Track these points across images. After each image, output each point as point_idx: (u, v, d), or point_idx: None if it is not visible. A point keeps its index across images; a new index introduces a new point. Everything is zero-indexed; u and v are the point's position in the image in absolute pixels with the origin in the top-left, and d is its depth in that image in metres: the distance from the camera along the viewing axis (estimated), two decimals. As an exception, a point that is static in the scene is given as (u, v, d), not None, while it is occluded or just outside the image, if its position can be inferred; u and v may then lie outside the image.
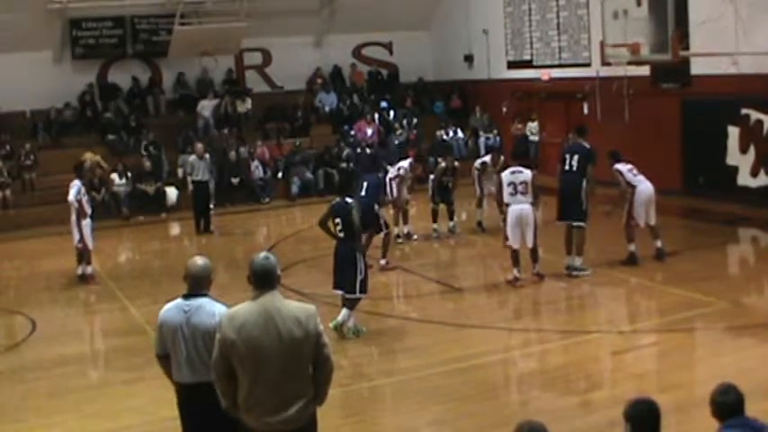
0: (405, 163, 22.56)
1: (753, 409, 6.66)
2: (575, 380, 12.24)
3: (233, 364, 7.11)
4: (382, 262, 19.21)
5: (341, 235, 14.42)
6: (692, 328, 14.44)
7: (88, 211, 19.86)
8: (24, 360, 14.63)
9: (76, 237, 19.77)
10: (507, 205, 17.61)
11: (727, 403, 6.56)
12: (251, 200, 29.09)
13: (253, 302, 7.20)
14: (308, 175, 30.88)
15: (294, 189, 30.40)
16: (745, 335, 13.77)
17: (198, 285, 8.20)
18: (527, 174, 17.67)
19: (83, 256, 20.07)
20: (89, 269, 20.18)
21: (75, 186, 19.73)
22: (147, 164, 29.70)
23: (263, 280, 7.25)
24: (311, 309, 7.37)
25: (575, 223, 17.80)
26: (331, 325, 13.88)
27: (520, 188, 17.44)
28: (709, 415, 6.58)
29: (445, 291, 17.56)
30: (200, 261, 8.32)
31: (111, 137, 31.26)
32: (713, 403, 6.59)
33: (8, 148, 29.60)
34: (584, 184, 17.79)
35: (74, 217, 19.65)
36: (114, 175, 28.57)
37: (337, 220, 14.45)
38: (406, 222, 22.59)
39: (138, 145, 30.92)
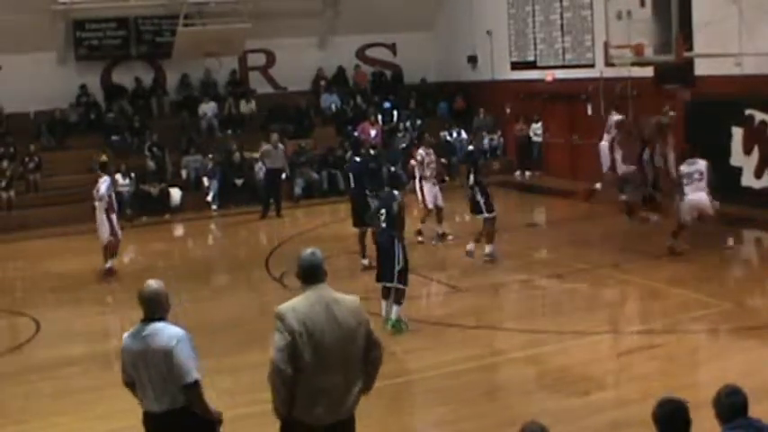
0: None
1: (757, 411, 6.65)
2: (578, 381, 12.22)
3: (295, 356, 7.14)
4: (365, 262, 19.31)
5: (383, 225, 14.71)
6: (695, 329, 14.43)
7: (115, 206, 20.61)
8: (28, 361, 14.66)
9: (106, 231, 20.31)
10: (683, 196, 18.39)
11: (732, 404, 6.54)
12: (254, 201, 29.07)
13: (308, 295, 7.36)
14: (313, 175, 30.89)
15: (297, 190, 30.40)
16: (748, 336, 13.76)
17: (153, 310, 8.16)
18: (701, 164, 18.48)
19: (108, 250, 20.62)
20: (114, 263, 20.70)
21: (106, 182, 20.35)
22: (151, 164, 29.72)
23: (313, 274, 7.45)
24: (357, 298, 7.64)
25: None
26: (388, 326, 14.26)
27: (696, 176, 18.31)
28: (712, 416, 6.57)
29: (448, 291, 17.56)
30: (153, 285, 8.27)
31: (114, 138, 31.26)
32: (718, 404, 6.58)
33: (12, 149, 29.61)
34: None
35: (104, 212, 20.24)
36: (118, 176, 28.56)
37: (383, 211, 14.78)
38: (440, 222, 22.59)
39: (142, 146, 30.94)
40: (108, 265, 20.60)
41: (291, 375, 7.15)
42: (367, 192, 19.44)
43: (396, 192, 14.94)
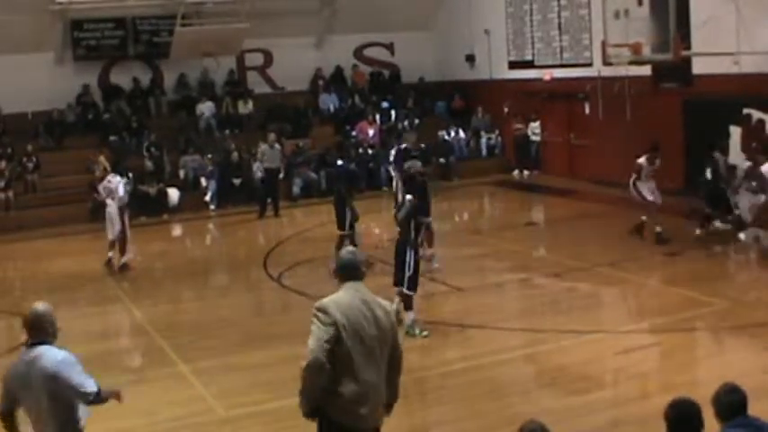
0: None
1: (755, 409, 6.65)
2: (577, 380, 12.22)
3: (339, 350, 7.13)
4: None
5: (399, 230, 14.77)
6: (693, 327, 14.45)
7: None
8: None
9: (118, 228, 20.77)
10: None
11: (732, 403, 6.54)
12: (252, 201, 29.04)
13: (347, 290, 7.41)
14: (311, 175, 30.88)
15: (296, 190, 30.39)
16: (746, 335, 13.77)
17: (38, 333, 8.00)
18: None
19: (117, 246, 21.03)
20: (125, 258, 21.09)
21: (122, 182, 21.22)
22: (149, 165, 29.69)
23: (352, 271, 7.50)
24: (389, 303, 7.79)
25: None
26: (401, 335, 14.07)
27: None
28: (711, 415, 6.57)
29: (447, 291, 17.55)
30: (39, 309, 8.09)
31: (112, 138, 31.24)
32: (717, 403, 6.58)
33: (10, 149, 29.58)
34: None
35: (117, 210, 20.76)
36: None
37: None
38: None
39: (140, 146, 30.92)
40: (122, 260, 21.01)
41: (321, 374, 7.12)
42: (345, 195, 19.40)
43: (408, 197, 14.77)
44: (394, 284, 14.54)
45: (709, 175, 19.83)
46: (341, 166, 20.36)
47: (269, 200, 27.68)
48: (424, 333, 14.36)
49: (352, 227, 19.22)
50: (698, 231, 19.78)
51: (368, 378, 7.26)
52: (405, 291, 14.27)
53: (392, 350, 7.51)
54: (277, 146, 28.55)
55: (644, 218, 20.49)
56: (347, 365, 7.18)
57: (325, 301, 7.31)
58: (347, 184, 19.94)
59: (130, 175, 28.87)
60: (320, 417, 7.35)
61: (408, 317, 14.37)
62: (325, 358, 7.08)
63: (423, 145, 23.27)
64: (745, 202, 19.57)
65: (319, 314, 7.22)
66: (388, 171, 23.25)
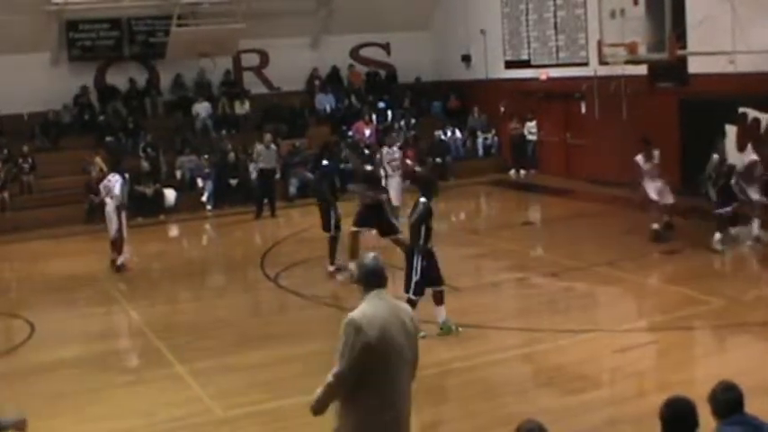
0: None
1: (752, 407, 6.66)
2: (574, 379, 12.24)
3: (366, 363, 6.96)
4: (330, 268, 19.25)
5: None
6: (690, 326, 14.45)
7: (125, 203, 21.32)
8: (23, 363, 14.60)
9: (114, 226, 20.80)
10: None
11: (728, 401, 6.55)
12: (249, 201, 29.04)
13: (376, 301, 7.19)
14: (308, 175, 30.86)
15: (292, 190, 30.39)
16: (743, 333, 13.78)
17: None
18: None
19: (115, 246, 21.05)
20: (122, 258, 21.06)
21: (119, 181, 21.13)
22: (145, 165, 29.67)
23: (379, 279, 7.28)
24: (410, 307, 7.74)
25: None
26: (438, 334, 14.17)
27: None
28: (708, 413, 6.58)
29: (444, 290, 17.55)
30: None
31: (108, 139, 31.22)
32: (714, 401, 6.58)
33: (6, 150, 29.56)
34: None
35: (115, 210, 20.84)
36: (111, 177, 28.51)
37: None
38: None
39: (136, 147, 30.89)
40: (118, 261, 20.95)
41: (342, 389, 7.06)
42: (327, 196, 19.41)
43: (422, 200, 14.49)
44: (405, 291, 14.31)
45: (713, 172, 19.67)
46: (326, 166, 20.27)
47: (265, 200, 27.68)
48: (458, 329, 14.46)
49: (337, 228, 19.19)
50: (716, 240, 19.17)
51: (397, 388, 7.16)
52: (410, 296, 13.99)
53: (414, 356, 7.38)
54: (273, 146, 28.62)
55: (666, 218, 20.55)
56: (378, 377, 7.04)
57: (356, 315, 7.06)
58: (331, 184, 19.84)
59: (127, 175, 28.91)
60: (346, 426, 7.21)
61: (440, 314, 14.46)
62: (354, 373, 6.96)
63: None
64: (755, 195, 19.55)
65: (351, 329, 7.00)
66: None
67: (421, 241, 14.26)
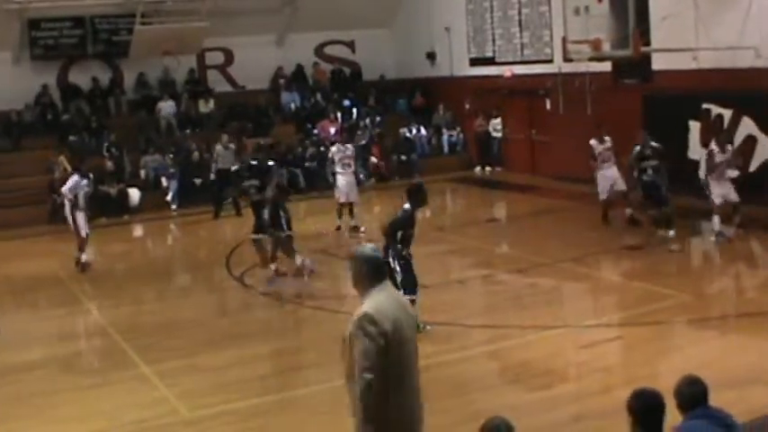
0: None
1: (716, 400, 6.69)
2: (540, 375, 12.27)
3: (382, 360, 6.85)
4: (272, 266, 19.25)
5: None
6: (655, 321, 14.48)
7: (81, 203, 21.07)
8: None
9: (72, 226, 20.83)
10: None
11: (693, 394, 6.58)
12: (213, 200, 28.99)
13: (383, 294, 7.09)
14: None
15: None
16: (707, 327, 13.89)
17: None
18: None
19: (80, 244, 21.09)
20: (84, 257, 21.03)
21: (72, 180, 21.21)
22: (109, 165, 29.50)
23: (381, 272, 7.21)
24: None
25: None
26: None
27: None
28: (673, 407, 6.60)
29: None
30: None
31: (72, 138, 31.03)
32: (678, 394, 6.61)
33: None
34: None
35: (69, 210, 20.81)
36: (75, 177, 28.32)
37: None
38: (351, 215, 23.50)
39: (100, 146, 30.70)
40: (82, 260, 20.98)
41: (371, 388, 6.85)
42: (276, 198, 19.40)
43: (405, 206, 14.24)
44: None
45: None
46: (271, 167, 20.21)
47: (229, 200, 27.55)
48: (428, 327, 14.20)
49: (289, 227, 19.14)
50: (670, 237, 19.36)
51: (410, 378, 7.16)
52: (405, 295, 13.66)
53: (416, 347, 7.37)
54: (231, 146, 28.49)
55: (629, 211, 20.86)
56: (395, 372, 6.97)
57: (370, 310, 6.93)
58: (278, 186, 19.76)
59: (91, 175, 28.73)
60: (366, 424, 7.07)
61: None
62: (375, 372, 6.82)
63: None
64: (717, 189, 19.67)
65: (368, 325, 6.86)
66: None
67: (398, 246, 14.03)
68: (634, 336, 13.79)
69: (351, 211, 23.45)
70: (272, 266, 19.07)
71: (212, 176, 28.50)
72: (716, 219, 19.42)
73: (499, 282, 17.84)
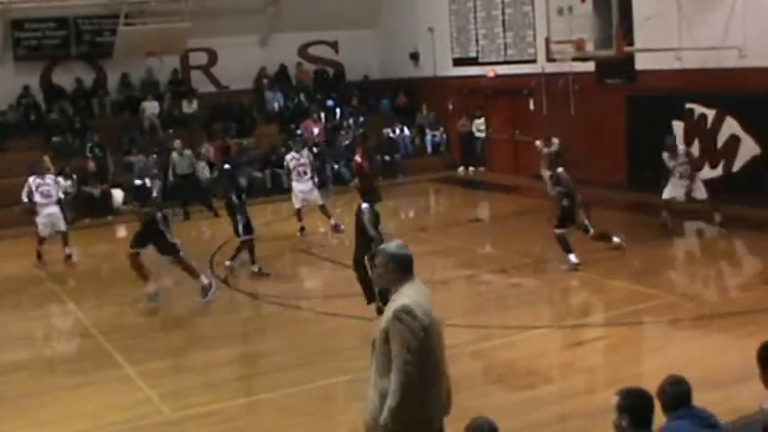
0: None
1: (700, 400, 6.70)
2: (524, 375, 12.27)
3: (424, 354, 6.91)
4: (254, 268, 19.25)
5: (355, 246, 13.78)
6: (639, 321, 14.52)
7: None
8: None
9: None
10: None
11: (677, 394, 6.59)
12: (197, 201, 28.96)
13: (415, 288, 7.15)
14: (256, 174, 30.76)
15: (240, 189, 30.27)
16: (690, 327, 13.89)
17: None
18: None
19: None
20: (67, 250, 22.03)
21: (31, 180, 22.03)
22: (92, 165, 29.42)
23: (411, 266, 7.22)
24: None
25: None
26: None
27: None
28: (657, 407, 6.61)
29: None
30: None
31: (55, 139, 30.95)
32: (662, 394, 6.62)
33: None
34: None
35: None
36: (60, 178, 28.23)
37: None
38: (327, 216, 23.65)
39: (83, 147, 30.63)
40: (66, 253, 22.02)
41: (415, 381, 6.89)
42: (234, 199, 19.40)
43: (364, 206, 13.98)
44: (368, 302, 14.07)
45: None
46: (227, 169, 20.15)
47: (212, 201, 27.45)
48: None
49: (247, 231, 19.15)
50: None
51: (442, 371, 7.26)
52: (379, 305, 13.28)
53: None
54: (187, 152, 28.64)
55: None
56: (431, 362, 7.05)
57: (408, 303, 6.94)
58: (237, 188, 19.69)
59: (74, 176, 28.66)
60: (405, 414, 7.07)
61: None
62: (417, 358, 6.86)
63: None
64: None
65: (408, 319, 6.88)
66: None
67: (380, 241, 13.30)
68: (618, 336, 13.80)
69: (326, 213, 23.57)
70: (255, 268, 19.08)
71: (171, 180, 28.57)
72: (664, 213, 20.24)
73: (483, 282, 17.84)
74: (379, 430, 6.93)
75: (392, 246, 7.30)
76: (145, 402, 12.18)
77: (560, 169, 18.36)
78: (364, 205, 13.83)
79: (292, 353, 13.98)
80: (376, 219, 13.86)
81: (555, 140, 22.45)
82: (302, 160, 23.66)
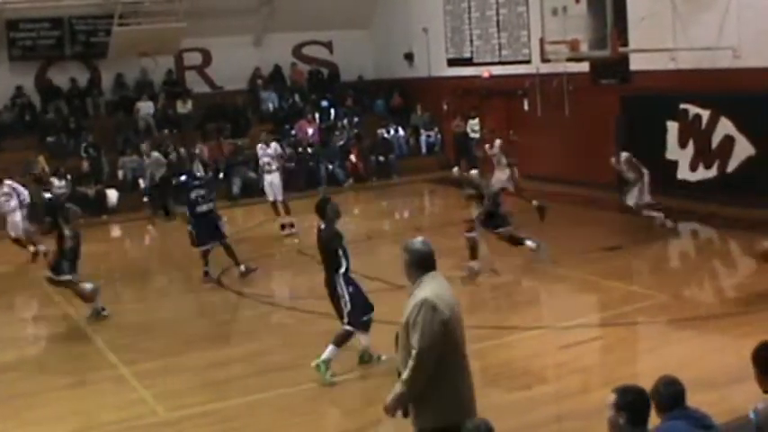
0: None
1: (694, 400, 6.70)
2: (519, 376, 12.28)
3: (445, 347, 7.15)
4: (242, 268, 19.22)
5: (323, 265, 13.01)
6: (633, 321, 14.53)
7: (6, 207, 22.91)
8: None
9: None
10: None
11: (671, 395, 6.58)
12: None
13: (437, 282, 7.35)
14: (250, 175, 30.75)
15: (235, 189, 30.28)
16: (685, 327, 13.90)
17: None
18: None
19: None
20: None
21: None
22: (86, 165, 29.40)
23: (432, 261, 7.44)
24: None
25: None
26: (313, 364, 12.35)
27: None
28: (652, 407, 6.61)
29: (387, 288, 17.53)
30: None
31: (50, 139, 30.92)
32: (656, 395, 6.61)
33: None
34: None
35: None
36: (54, 179, 28.23)
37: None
38: (287, 213, 23.98)
39: (78, 147, 30.61)
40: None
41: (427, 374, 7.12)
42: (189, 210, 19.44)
43: (323, 226, 12.95)
44: (341, 321, 13.16)
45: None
46: (183, 181, 20.11)
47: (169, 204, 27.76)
48: (332, 378, 12.42)
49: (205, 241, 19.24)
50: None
51: (466, 363, 7.48)
52: (345, 327, 12.58)
53: None
54: (155, 154, 29.05)
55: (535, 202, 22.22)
56: (455, 354, 7.29)
57: (429, 295, 7.16)
58: (185, 202, 19.66)
59: (69, 176, 28.63)
60: (425, 407, 7.27)
61: (330, 351, 12.45)
62: (435, 351, 7.07)
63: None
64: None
65: (429, 311, 7.10)
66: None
67: (341, 269, 12.69)
68: (613, 336, 13.82)
69: (286, 210, 23.82)
70: (242, 268, 19.09)
71: (143, 185, 28.67)
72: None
73: (477, 282, 17.81)
74: (415, 422, 7.13)
75: (416, 242, 7.56)
76: (139, 402, 12.19)
77: (474, 171, 18.62)
78: (323, 226, 12.91)
79: (288, 353, 13.97)
80: (337, 236, 12.86)
81: (498, 141, 22.76)
82: (269, 151, 24.00)
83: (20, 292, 19.67)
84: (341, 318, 12.68)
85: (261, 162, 24.29)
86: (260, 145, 24.52)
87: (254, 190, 30.47)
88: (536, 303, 16.54)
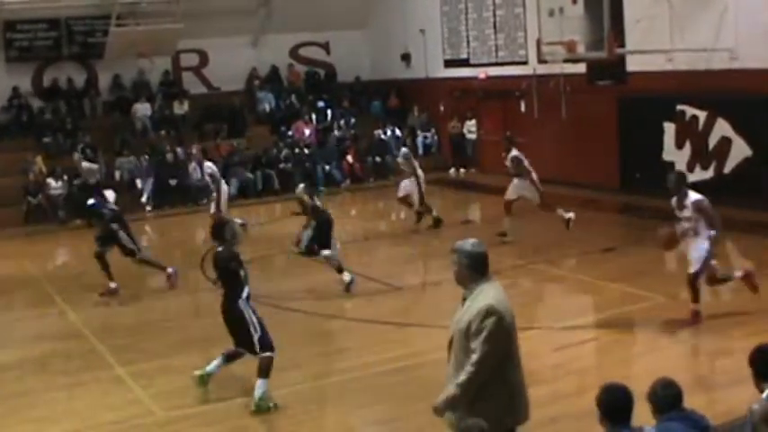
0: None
1: (691, 402, 6.72)
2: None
3: (507, 352, 7.26)
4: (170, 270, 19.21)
5: (221, 289, 12.31)
6: (630, 323, 14.55)
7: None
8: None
9: None
10: None
11: (668, 397, 6.61)
12: (189, 201, 28.95)
13: (495, 287, 7.36)
14: (248, 175, 30.77)
15: (232, 190, 30.22)
16: (682, 329, 13.90)
17: None
18: None
19: None
20: None
21: None
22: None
23: (485, 265, 7.44)
24: None
25: None
26: (253, 407, 11.59)
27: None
28: (648, 409, 6.63)
29: (385, 290, 17.55)
30: None
31: (47, 139, 30.90)
32: (653, 397, 6.64)
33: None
34: None
35: None
36: (50, 180, 28.22)
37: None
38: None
39: (75, 147, 30.58)
40: None
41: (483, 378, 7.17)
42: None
43: (219, 249, 12.22)
44: (253, 353, 11.89)
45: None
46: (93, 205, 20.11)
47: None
48: (274, 405, 11.65)
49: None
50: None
51: (521, 367, 7.52)
52: (263, 355, 11.69)
53: None
54: (87, 164, 26.76)
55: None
56: (515, 358, 7.38)
57: (494, 303, 7.17)
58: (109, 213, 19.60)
59: (65, 177, 28.62)
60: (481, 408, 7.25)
61: (261, 386, 11.64)
62: (498, 358, 7.16)
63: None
64: None
65: (493, 317, 7.13)
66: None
67: (244, 293, 11.96)
68: (609, 337, 13.83)
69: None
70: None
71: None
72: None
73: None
74: (461, 424, 7.04)
75: (468, 244, 7.53)
76: (136, 403, 12.19)
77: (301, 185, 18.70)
78: (220, 248, 12.19)
79: (283, 353, 13.94)
80: (236, 258, 12.16)
81: (512, 154, 22.67)
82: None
83: (20, 291, 19.65)
84: (248, 346, 11.82)
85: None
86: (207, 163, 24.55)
87: (250, 190, 30.54)
88: (532, 304, 16.51)
